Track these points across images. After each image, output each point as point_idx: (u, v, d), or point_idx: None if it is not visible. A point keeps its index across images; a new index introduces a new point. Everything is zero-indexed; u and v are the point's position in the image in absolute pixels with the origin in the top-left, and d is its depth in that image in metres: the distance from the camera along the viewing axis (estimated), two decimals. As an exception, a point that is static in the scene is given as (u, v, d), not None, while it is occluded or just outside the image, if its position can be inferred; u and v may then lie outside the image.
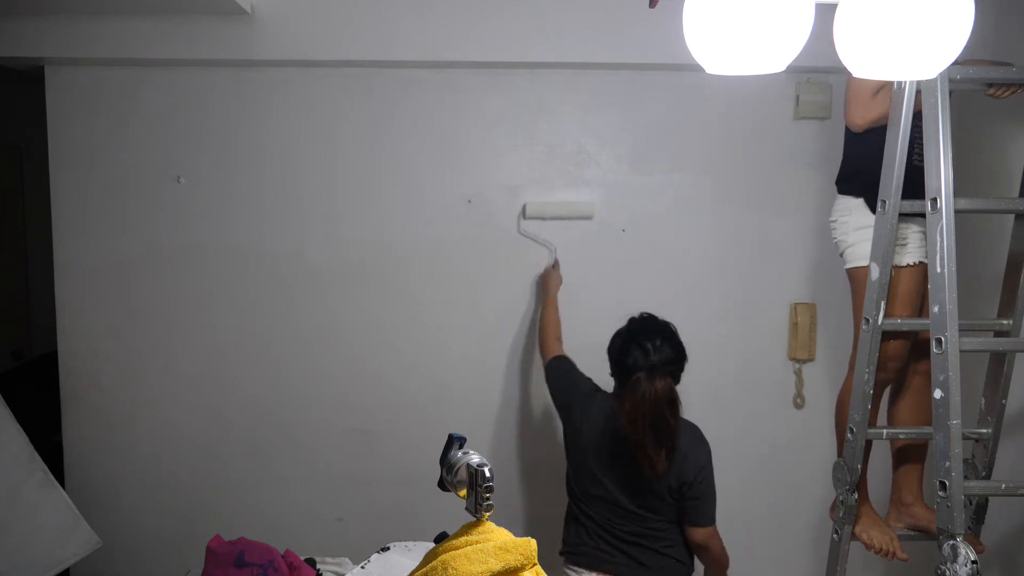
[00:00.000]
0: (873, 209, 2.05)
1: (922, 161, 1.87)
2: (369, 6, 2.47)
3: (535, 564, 1.20)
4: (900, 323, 2.03)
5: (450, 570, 1.15)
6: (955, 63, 1.32)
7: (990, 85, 1.94)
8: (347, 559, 2.04)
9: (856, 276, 2.15)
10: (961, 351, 1.81)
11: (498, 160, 2.67)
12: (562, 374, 2.33)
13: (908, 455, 2.25)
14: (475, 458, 1.24)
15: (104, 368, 2.66)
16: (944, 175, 1.80)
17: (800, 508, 2.76)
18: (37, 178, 2.96)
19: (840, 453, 2.15)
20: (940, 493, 1.81)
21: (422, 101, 2.62)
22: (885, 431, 2.10)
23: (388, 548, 1.91)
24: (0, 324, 3.88)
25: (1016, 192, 2.11)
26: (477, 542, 1.20)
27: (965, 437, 2.04)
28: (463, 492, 1.24)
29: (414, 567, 1.25)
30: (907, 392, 2.24)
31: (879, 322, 1.99)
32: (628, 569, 2.11)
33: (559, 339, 2.46)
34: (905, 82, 1.86)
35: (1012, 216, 2.10)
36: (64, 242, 2.63)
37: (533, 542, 1.20)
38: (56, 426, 2.68)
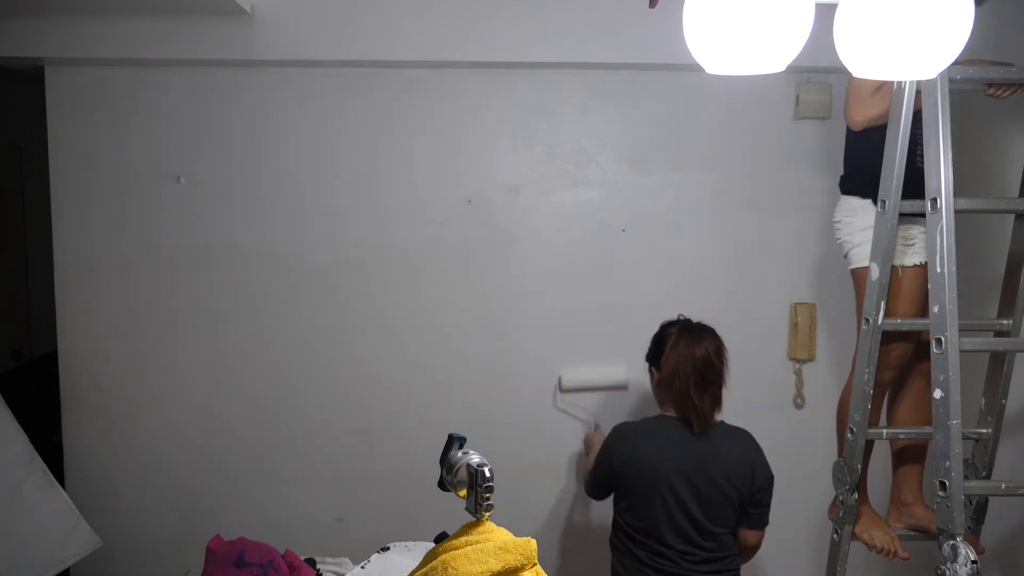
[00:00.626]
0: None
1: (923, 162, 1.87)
2: (369, 6, 2.47)
3: (535, 564, 1.20)
4: (900, 323, 2.03)
5: (450, 570, 1.15)
6: (955, 63, 1.32)
7: (990, 85, 1.95)
8: (347, 559, 2.04)
9: (860, 277, 2.15)
10: (961, 351, 1.81)
11: (498, 160, 2.67)
12: (601, 468, 2.23)
13: (908, 455, 2.25)
14: (475, 458, 1.24)
15: (104, 368, 2.66)
16: (944, 175, 1.80)
17: (800, 508, 2.76)
18: (37, 178, 2.96)
19: (841, 453, 2.15)
20: (940, 493, 1.81)
21: (422, 101, 2.62)
22: (885, 431, 2.10)
23: (388, 548, 1.91)
24: (0, 324, 3.88)
25: (1016, 192, 2.11)
26: (477, 542, 1.20)
27: (965, 437, 2.04)
28: (463, 492, 1.24)
29: (414, 567, 1.25)
30: (907, 392, 2.24)
31: (879, 322, 1.99)
32: None
33: None
34: (905, 82, 1.86)
35: (1012, 216, 2.10)
36: (64, 242, 2.63)
37: (533, 542, 1.20)
38: (56, 426, 2.68)
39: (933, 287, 1.83)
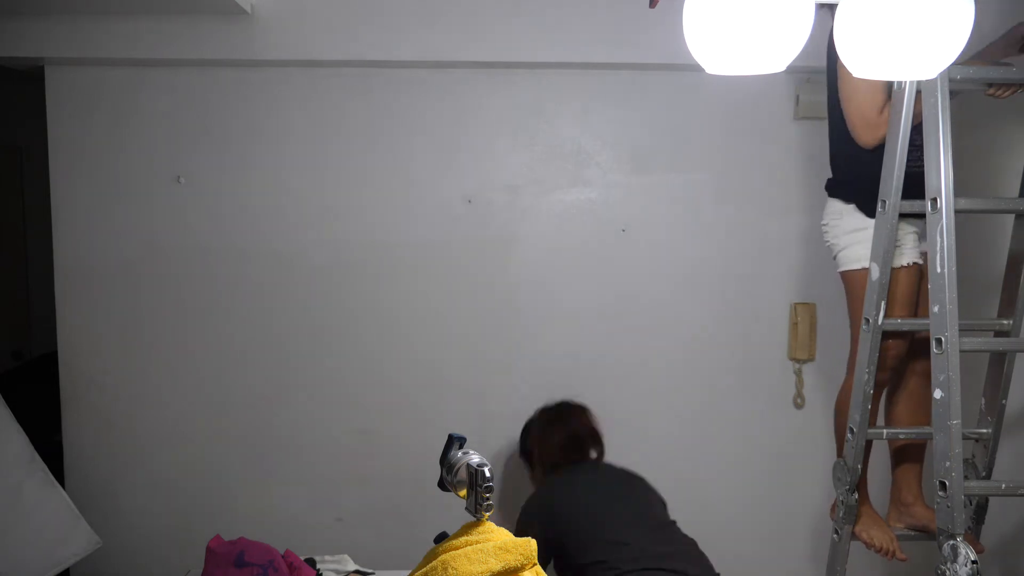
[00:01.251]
0: (866, 212, 2.05)
1: (918, 166, 1.87)
2: (369, 6, 2.47)
3: (535, 564, 1.20)
4: (900, 323, 2.03)
5: (450, 570, 1.15)
6: (955, 63, 1.32)
7: (990, 85, 1.94)
8: (347, 556, 2.05)
9: (849, 279, 2.15)
10: (961, 351, 1.80)
11: (498, 160, 2.67)
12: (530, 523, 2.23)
13: (907, 455, 2.25)
14: (475, 458, 1.25)
15: (104, 368, 2.66)
16: (944, 175, 1.80)
17: (800, 508, 2.76)
18: (37, 178, 2.96)
19: (840, 454, 2.15)
20: (940, 493, 1.81)
21: (422, 101, 2.62)
22: (885, 431, 2.10)
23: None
24: (0, 324, 3.87)
25: (1016, 192, 2.11)
26: (477, 542, 1.20)
27: (965, 437, 2.04)
28: (463, 492, 1.25)
29: None
30: (904, 393, 2.24)
31: (879, 322, 1.99)
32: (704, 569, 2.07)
33: None
34: (905, 82, 1.86)
35: (1012, 216, 2.10)
36: (64, 242, 2.63)
37: (533, 542, 1.20)
38: (56, 426, 2.68)
39: (933, 287, 1.83)
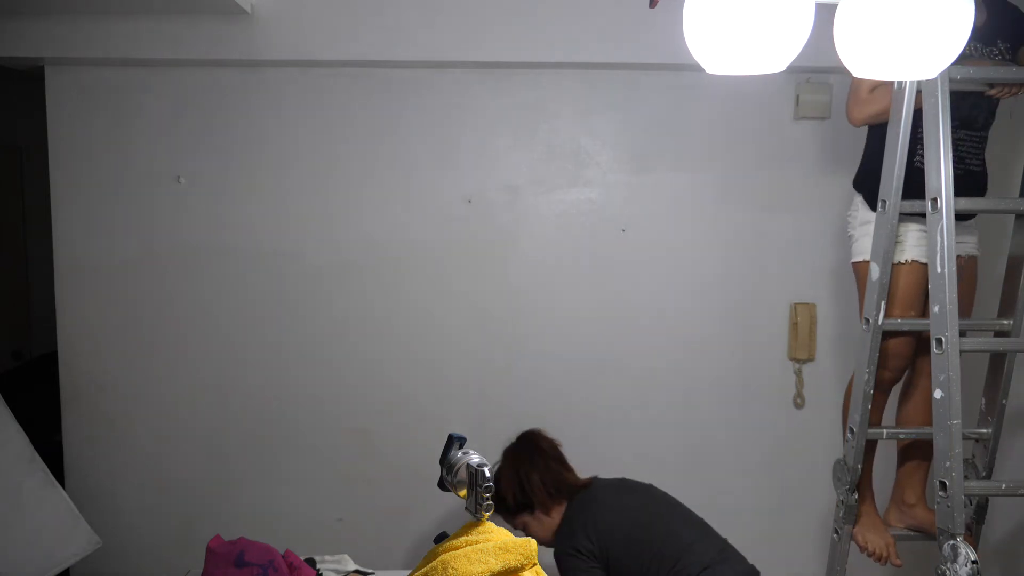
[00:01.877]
0: (871, 206, 2.06)
1: (923, 162, 1.87)
2: (369, 6, 2.47)
3: (535, 564, 1.20)
4: (900, 323, 2.03)
5: (450, 570, 1.15)
6: (955, 63, 1.32)
7: (990, 85, 1.94)
8: (347, 556, 2.05)
9: (857, 270, 2.16)
10: (961, 351, 1.81)
11: (498, 160, 2.67)
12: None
13: (914, 454, 2.24)
14: (475, 458, 1.25)
15: (104, 368, 2.66)
16: (944, 175, 1.80)
17: (800, 508, 2.76)
18: (37, 178, 2.96)
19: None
20: (940, 493, 1.81)
21: (422, 101, 2.62)
22: (885, 431, 2.10)
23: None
24: (0, 324, 3.88)
25: (1016, 192, 2.11)
26: (477, 542, 1.20)
27: (965, 437, 2.04)
28: (463, 492, 1.25)
29: None
30: (915, 392, 2.24)
31: (879, 322, 1.99)
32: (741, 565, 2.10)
33: None
34: (905, 82, 1.86)
35: (1012, 216, 2.10)
36: (64, 242, 2.63)
37: (533, 542, 1.20)
38: (56, 426, 2.68)
39: (933, 287, 1.83)
